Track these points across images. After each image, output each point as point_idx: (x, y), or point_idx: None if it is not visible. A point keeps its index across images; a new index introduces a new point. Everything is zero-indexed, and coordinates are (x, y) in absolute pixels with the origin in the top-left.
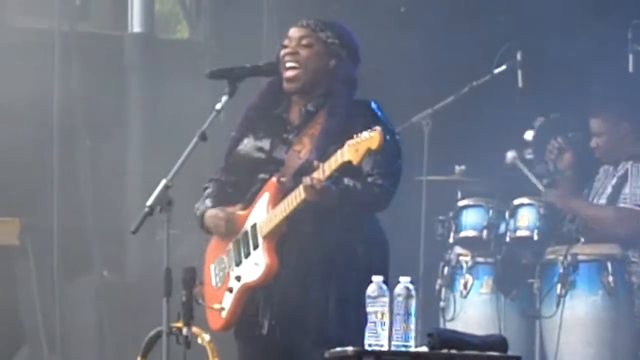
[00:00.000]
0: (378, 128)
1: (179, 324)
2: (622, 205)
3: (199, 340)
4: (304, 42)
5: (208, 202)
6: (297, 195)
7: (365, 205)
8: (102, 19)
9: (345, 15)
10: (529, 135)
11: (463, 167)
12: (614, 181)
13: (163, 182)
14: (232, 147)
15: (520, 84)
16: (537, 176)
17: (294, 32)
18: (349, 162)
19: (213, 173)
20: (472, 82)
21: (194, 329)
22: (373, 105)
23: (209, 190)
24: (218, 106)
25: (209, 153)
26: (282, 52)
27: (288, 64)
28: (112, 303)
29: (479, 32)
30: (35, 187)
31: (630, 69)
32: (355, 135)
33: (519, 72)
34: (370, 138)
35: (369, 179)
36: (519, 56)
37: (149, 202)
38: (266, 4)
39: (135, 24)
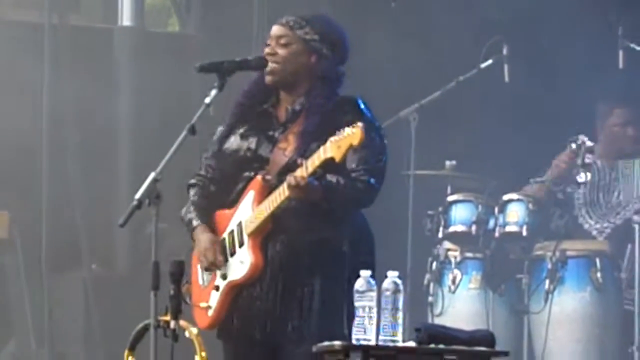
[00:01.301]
0: (360, 124)
1: (167, 318)
2: None
3: (187, 334)
4: (282, 41)
5: (195, 216)
6: (281, 193)
7: (350, 202)
8: (92, 12)
9: (335, 10)
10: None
11: (454, 162)
12: None
13: (152, 175)
14: (219, 142)
15: (506, 79)
16: None
17: (274, 30)
18: (332, 159)
19: (198, 168)
20: (458, 77)
21: (182, 323)
22: (359, 101)
23: (193, 194)
24: (207, 100)
25: (198, 147)
26: (265, 51)
27: (269, 64)
28: (100, 296)
29: (466, 26)
30: (24, 180)
31: (621, 65)
32: (337, 132)
33: (505, 67)
34: (352, 134)
35: (354, 175)
36: (505, 50)
37: (138, 196)
38: None
39: (125, 17)
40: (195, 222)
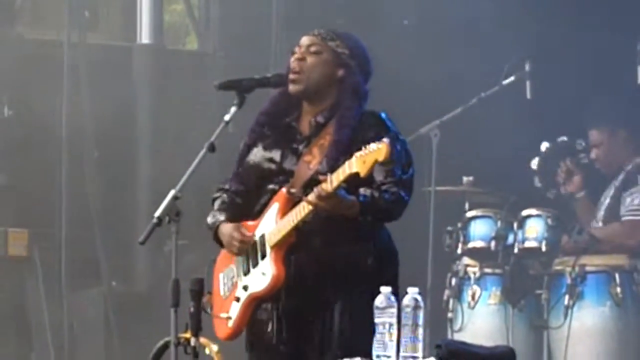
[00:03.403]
0: (386, 140)
1: (187, 335)
2: (624, 219)
3: (207, 351)
4: (312, 49)
5: (221, 215)
6: (306, 206)
7: (382, 214)
8: (111, 30)
9: (352, 28)
10: (534, 164)
11: (471, 178)
12: (612, 191)
13: (171, 193)
14: (243, 155)
15: (528, 95)
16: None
17: (304, 40)
18: (357, 174)
19: (221, 182)
20: (480, 93)
21: (202, 340)
22: (383, 115)
23: (219, 202)
24: (226, 117)
25: (217, 164)
26: (291, 58)
27: (293, 69)
28: (120, 314)
29: (486, 42)
30: (44, 198)
31: (639, 80)
32: (363, 147)
33: (528, 83)
34: (377, 150)
35: (384, 188)
36: (527, 67)
37: (157, 213)
38: (275, 16)
39: (144, 35)
40: (221, 219)
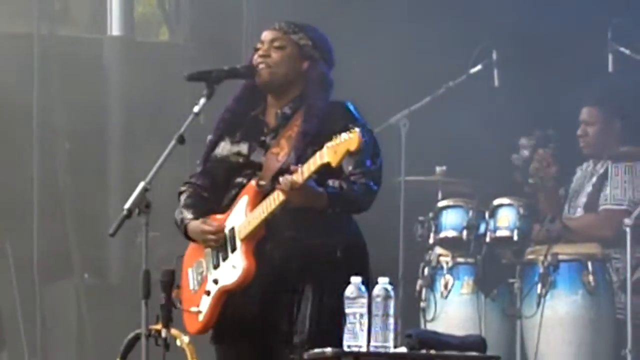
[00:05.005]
0: (357, 129)
1: (158, 326)
2: (601, 208)
3: (178, 343)
4: (276, 44)
5: (188, 213)
6: (276, 198)
7: (351, 206)
8: (81, 22)
9: (320, 18)
10: (516, 159)
11: (444, 167)
12: (594, 179)
13: (141, 185)
14: (209, 150)
15: (496, 84)
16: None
17: (266, 35)
18: (328, 164)
19: (188, 176)
20: (448, 82)
21: (173, 331)
22: (349, 105)
23: (185, 197)
24: (196, 109)
25: (188, 155)
26: (255, 55)
27: (259, 66)
28: (92, 306)
29: (454, 31)
30: (15, 190)
31: (610, 68)
32: (333, 137)
33: (495, 72)
34: (349, 140)
35: (352, 179)
36: (494, 55)
37: (127, 205)
38: (245, 7)
39: (115, 27)
40: (188, 217)
